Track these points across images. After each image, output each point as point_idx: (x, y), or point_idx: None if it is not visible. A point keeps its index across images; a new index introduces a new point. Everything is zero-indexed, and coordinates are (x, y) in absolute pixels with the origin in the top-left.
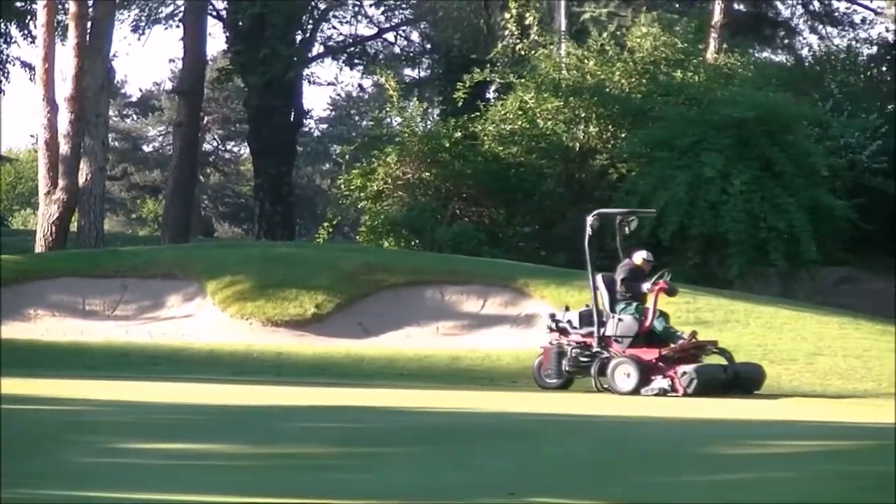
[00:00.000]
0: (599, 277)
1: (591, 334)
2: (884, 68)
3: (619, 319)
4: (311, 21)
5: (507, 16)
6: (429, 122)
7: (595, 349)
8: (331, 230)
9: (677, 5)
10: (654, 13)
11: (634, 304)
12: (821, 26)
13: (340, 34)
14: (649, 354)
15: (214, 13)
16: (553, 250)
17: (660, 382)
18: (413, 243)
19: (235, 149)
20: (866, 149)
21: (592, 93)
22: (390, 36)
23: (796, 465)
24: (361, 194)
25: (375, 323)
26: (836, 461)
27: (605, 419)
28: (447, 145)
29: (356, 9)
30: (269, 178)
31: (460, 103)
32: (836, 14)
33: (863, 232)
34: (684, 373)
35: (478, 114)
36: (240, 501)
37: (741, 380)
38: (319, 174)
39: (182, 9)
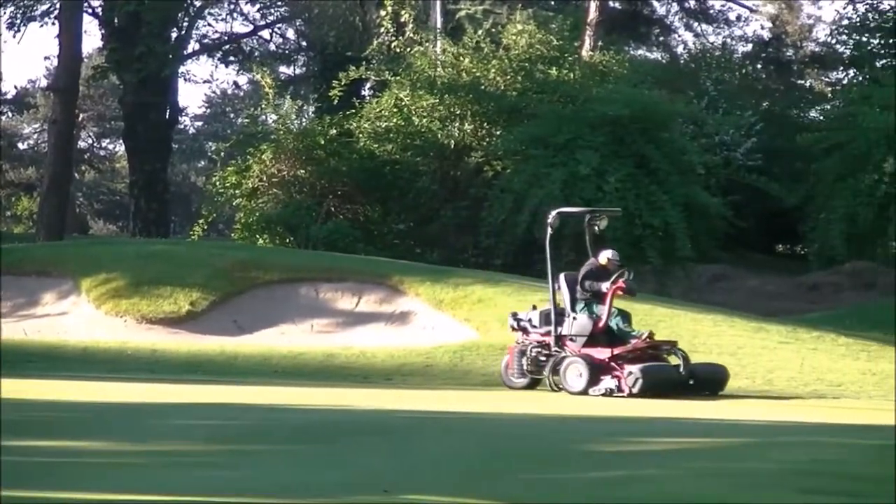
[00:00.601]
0: (562, 277)
1: (549, 333)
2: (759, 66)
3: (574, 318)
4: (186, 18)
5: (382, 13)
6: (304, 120)
7: (553, 349)
8: (206, 227)
9: (553, 3)
10: (529, 10)
11: (593, 304)
12: (696, 24)
13: (216, 32)
14: (602, 354)
15: (90, 10)
16: (428, 247)
17: (607, 382)
18: (288, 241)
19: (111, 146)
20: (741, 146)
21: (468, 90)
22: (266, 33)
23: (671, 463)
24: (236, 191)
25: (250, 320)
26: (709, 458)
27: (484, 416)
28: (322, 143)
29: (231, 6)
30: (145, 175)
31: (336, 101)
32: (712, 11)
33: (737, 229)
34: (630, 373)
35: (353, 111)
36: (115, 499)
37: (700, 380)
38: (195, 171)
39: (57, 6)
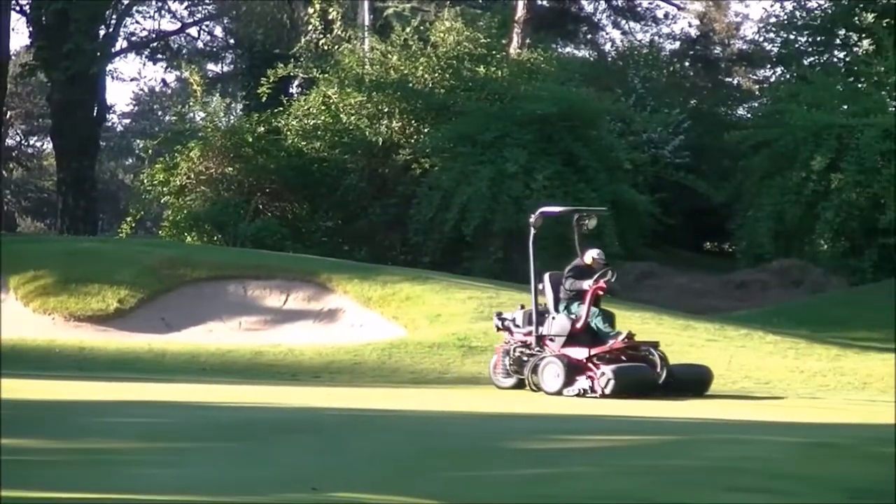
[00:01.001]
0: (547, 276)
1: (531, 333)
2: (686, 63)
3: (553, 318)
4: (114, 16)
5: (310, 11)
6: (232, 118)
7: (534, 348)
8: (133, 225)
9: (481, 1)
10: (457, 8)
11: (576, 304)
12: (624, 21)
13: (144, 29)
14: (579, 354)
15: (17, 8)
16: (356, 245)
17: (581, 383)
18: (216, 238)
19: (38, 144)
20: (669, 144)
21: (395, 88)
22: (193, 31)
23: (598, 460)
24: (164, 189)
25: (178, 318)
26: (637, 456)
27: (412, 414)
28: (250, 140)
29: (159, 4)
30: (72, 173)
31: (264, 98)
32: (639, 9)
33: (665, 227)
34: (602, 373)
35: (281, 109)
36: (43, 497)
37: (681, 381)
38: (122, 169)
39: None
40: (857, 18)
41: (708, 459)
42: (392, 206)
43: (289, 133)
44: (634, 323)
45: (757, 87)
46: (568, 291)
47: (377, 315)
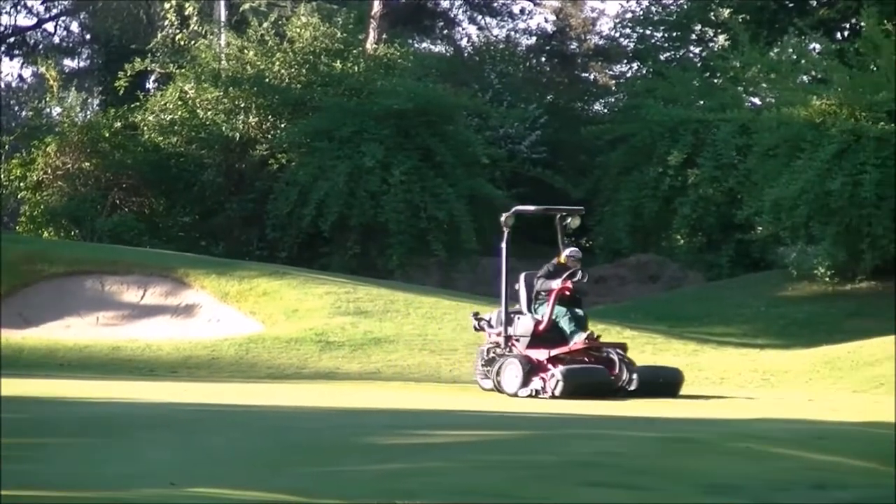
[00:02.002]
0: (522, 276)
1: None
2: (543, 59)
3: (518, 318)
4: None
5: (166, 6)
6: (89, 113)
7: (503, 349)
8: None
9: None
10: (313, 4)
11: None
12: (480, 17)
13: (0, 25)
14: (540, 355)
15: None
16: (213, 240)
17: (535, 384)
18: (73, 233)
19: None
20: (526, 139)
21: (252, 83)
22: (50, 26)
23: (455, 455)
24: (21, 184)
25: (36, 313)
26: (494, 451)
27: (271, 410)
28: (107, 135)
29: (15, 0)
30: None
31: (121, 93)
32: (496, 5)
33: (522, 222)
34: (552, 374)
35: (138, 104)
36: None
37: (647, 384)
38: None
39: None
40: (712, 14)
41: (566, 455)
42: (249, 202)
43: (145, 128)
44: None
45: (613, 82)
46: (539, 292)
47: (234, 310)
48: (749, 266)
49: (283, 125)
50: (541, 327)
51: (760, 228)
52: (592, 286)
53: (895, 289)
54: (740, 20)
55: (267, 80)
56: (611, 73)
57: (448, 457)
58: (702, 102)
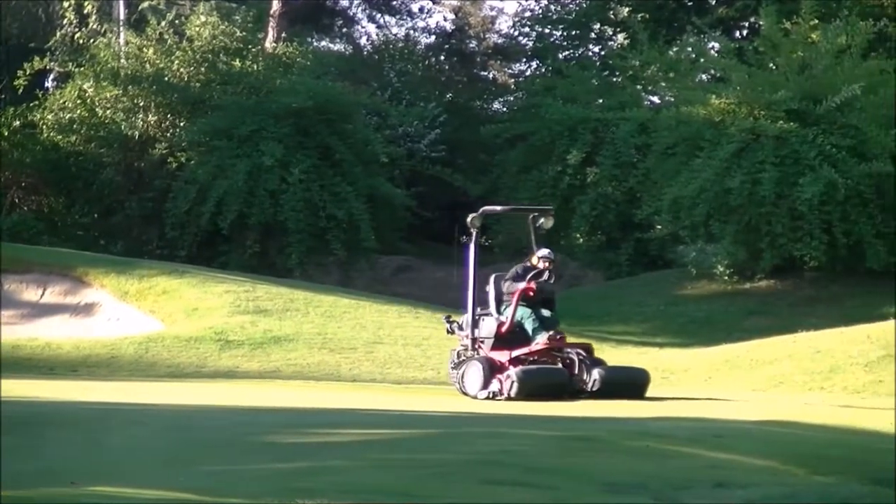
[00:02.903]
0: (492, 278)
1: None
2: (442, 57)
3: (483, 320)
4: None
5: (65, 4)
6: None
7: (470, 351)
8: None
9: None
10: (212, 2)
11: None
12: (379, 15)
13: None
14: (502, 356)
15: None
16: (112, 239)
17: (493, 385)
18: None
19: None
20: (425, 138)
21: (151, 82)
22: None
23: (357, 454)
24: None
25: None
26: (396, 450)
27: (171, 408)
28: (6, 134)
29: None
30: None
31: (20, 91)
32: (395, 3)
33: (422, 220)
34: (508, 376)
35: (37, 103)
36: None
37: (611, 385)
38: None
39: None
40: (611, 12)
41: (467, 453)
42: (148, 201)
43: (45, 127)
44: (392, 317)
45: (512, 81)
46: (506, 294)
47: (134, 309)
48: (648, 265)
49: (182, 124)
50: (503, 329)
51: (660, 227)
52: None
53: (794, 287)
54: (639, 19)
55: (166, 78)
56: (510, 71)
57: (349, 455)
58: (601, 101)
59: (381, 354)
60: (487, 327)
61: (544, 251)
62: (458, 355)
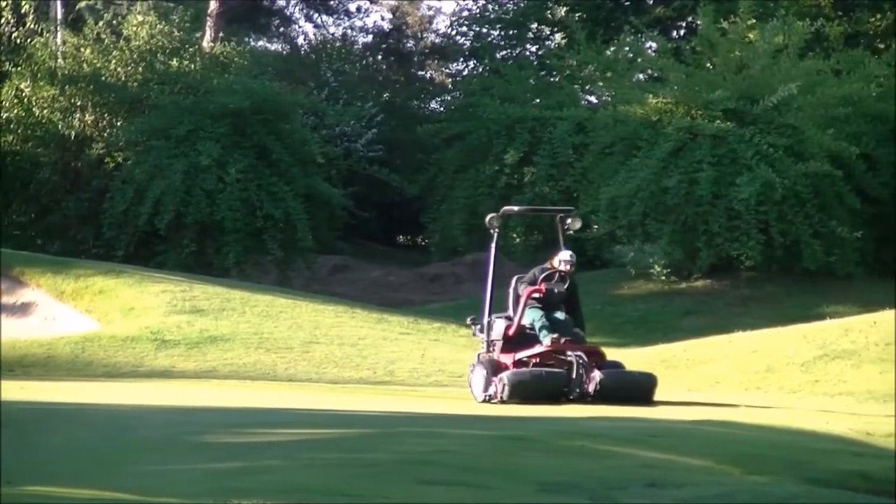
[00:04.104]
0: (514, 280)
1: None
2: (379, 57)
3: (495, 322)
4: None
5: (2, 3)
6: None
7: (486, 353)
8: None
9: None
10: (150, 2)
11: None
12: (316, 15)
13: None
14: (508, 359)
15: None
16: (49, 238)
17: (490, 388)
18: None
19: None
20: (362, 137)
21: (89, 81)
22: None
23: (292, 453)
24: None
25: None
26: (331, 449)
27: (107, 408)
28: None
29: None
30: None
31: None
32: (332, 2)
33: (358, 220)
34: (500, 379)
35: None
36: None
37: (611, 389)
38: None
39: None
40: (549, 12)
41: (402, 452)
42: (85, 200)
43: None
44: (328, 316)
45: (450, 80)
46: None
47: (70, 308)
48: (585, 264)
49: (119, 123)
50: (510, 331)
51: (597, 227)
52: (427, 284)
53: (730, 287)
54: (577, 18)
55: (103, 78)
56: (447, 71)
57: (285, 455)
58: (538, 101)
59: (318, 354)
60: (498, 329)
61: (566, 254)
62: (478, 358)
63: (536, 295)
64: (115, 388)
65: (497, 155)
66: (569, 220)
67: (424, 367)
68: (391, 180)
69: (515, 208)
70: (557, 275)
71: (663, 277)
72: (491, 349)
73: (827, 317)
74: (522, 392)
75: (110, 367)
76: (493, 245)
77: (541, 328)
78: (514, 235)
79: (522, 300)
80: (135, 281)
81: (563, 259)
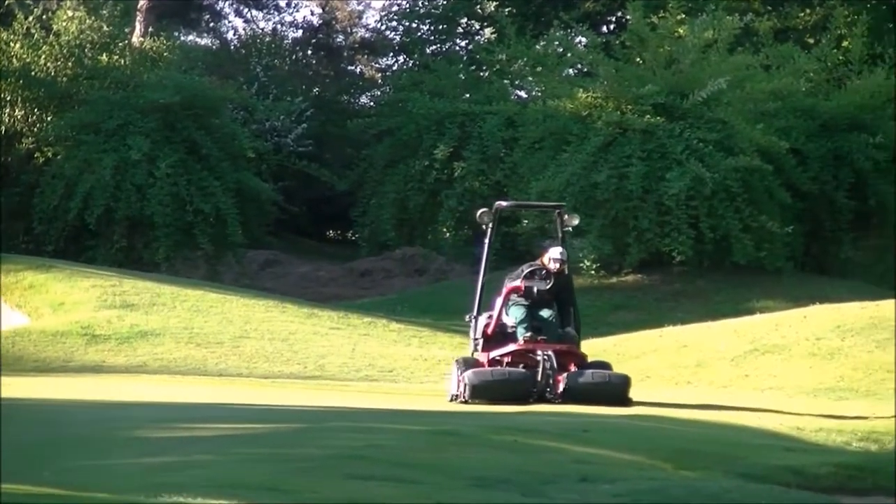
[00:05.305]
0: (507, 278)
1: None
2: (309, 52)
3: (478, 320)
4: None
5: None
6: None
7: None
8: None
9: None
10: None
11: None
12: (246, 9)
13: None
14: (484, 357)
15: None
16: None
17: (455, 388)
18: None
19: None
20: (292, 132)
21: (18, 76)
22: None
23: (222, 448)
24: None
25: None
26: (261, 444)
27: (37, 403)
28: None
29: None
30: None
31: None
32: None
33: (288, 215)
34: (462, 379)
35: None
36: None
37: (579, 391)
38: None
39: None
40: (478, 7)
41: (334, 448)
42: (15, 195)
43: None
44: (258, 311)
45: (380, 75)
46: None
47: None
48: (515, 259)
49: (49, 118)
50: (489, 329)
51: (526, 221)
52: (357, 279)
53: (660, 282)
54: (506, 13)
55: (33, 73)
56: (377, 66)
57: (215, 450)
58: (468, 95)
59: (248, 349)
60: (477, 328)
61: (556, 252)
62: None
63: (517, 292)
64: (45, 383)
65: (427, 150)
66: (566, 217)
67: (355, 362)
68: (321, 175)
69: (505, 203)
70: (542, 272)
71: (593, 272)
72: (476, 347)
73: (757, 311)
74: (484, 392)
75: (40, 362)
76: (487, 241)
77: (518, 325)
78: (444, 230)
79: (501, 297)
80: (65, 276)
81: (552, 257)
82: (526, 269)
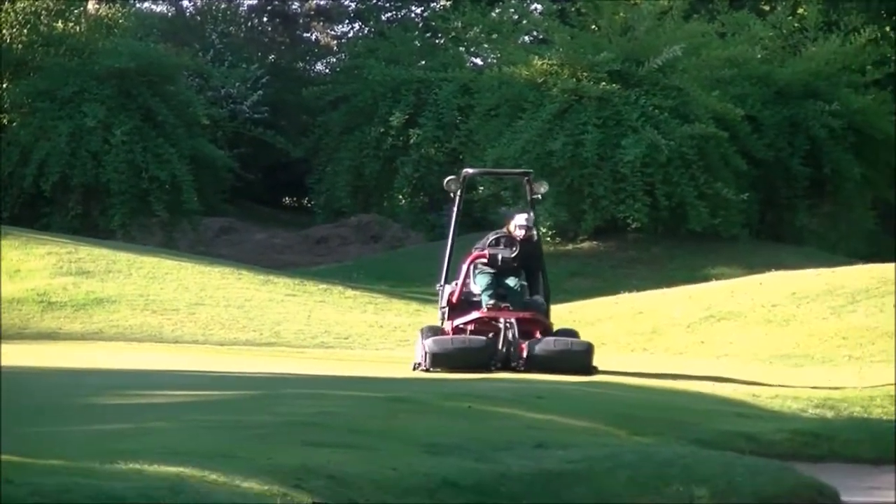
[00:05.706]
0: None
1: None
2: (264, 19)
3: (444, 288)
4: None
5: None
6: None
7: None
8: None
9: None
10: None
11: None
12: None
13: None
14: (448, 326)
15: None
16: None
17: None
18: None
19: None
20: (247, 99)
21: None
22: None
23: (176, 415)
24: None
25: None
26: (216, 411)
27: None
28: None
29: None
30: None
31: None
32: None
33: (244, 182)
34: (423, 346)
35: None
36: None
37: (542, 358)
38: None
39: None
40: None
41: (287, 415)
42: None
43: None
44: (214, 278)
45: (335, 42)
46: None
47: None
48: (471, 226)
49: (4, 86)
50: (453, 298)
51: (482, 188)
52: (312, 246)
53: (616, 249)
54: None
55: None
56: (332, 33)
57: (170, 417)
58: (423, 63)
59: (204, 316)
60: (443, 297)
61: (521, 218)
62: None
63: (482, 260)
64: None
65: (382, 117)
66: (535, 184)
67: (310, 329)
68: (276, 142)
69: (472, 171)
70: (507, 239)
71: (548, 239)
72: (443, 315)
73: (713, 278)
74: (444, 361)
75: None
76: (455, 209)
77: (483, 293)
78: (400, 197)
79: (466, 265)
80: (20, 243)
81: (518, 224)
82: (492, 236)
